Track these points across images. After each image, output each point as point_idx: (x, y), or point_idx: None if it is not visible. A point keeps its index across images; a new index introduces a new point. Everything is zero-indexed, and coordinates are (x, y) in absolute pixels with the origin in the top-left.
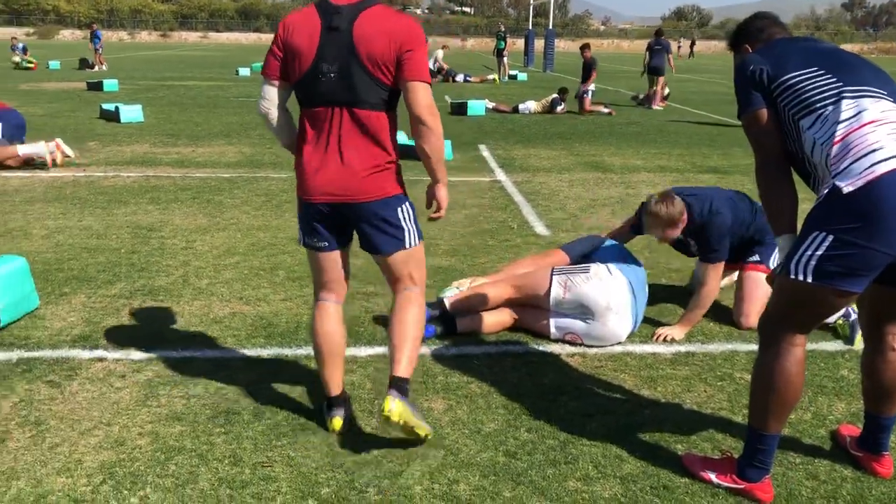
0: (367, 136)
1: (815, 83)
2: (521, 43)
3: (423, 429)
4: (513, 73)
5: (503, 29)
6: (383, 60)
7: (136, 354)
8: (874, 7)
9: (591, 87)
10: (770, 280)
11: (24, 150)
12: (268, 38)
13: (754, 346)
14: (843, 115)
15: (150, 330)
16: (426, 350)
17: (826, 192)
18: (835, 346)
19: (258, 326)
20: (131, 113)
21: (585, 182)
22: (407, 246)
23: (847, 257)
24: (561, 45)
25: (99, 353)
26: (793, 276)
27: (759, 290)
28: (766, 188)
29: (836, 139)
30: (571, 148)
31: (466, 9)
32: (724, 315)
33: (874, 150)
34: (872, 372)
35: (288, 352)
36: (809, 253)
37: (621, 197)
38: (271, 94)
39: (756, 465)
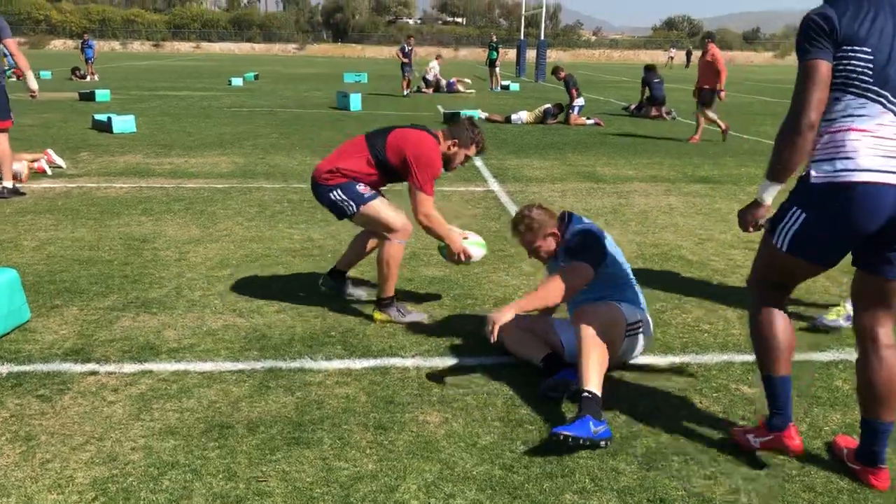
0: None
1: (855, 65)
2: (513, 53)
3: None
4: (505, 83)
5: (495, 39)
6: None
7: (129, 367)
8: None
9: (579, 101)
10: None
11: None
12: (261, 48)
13: (748, 357)
14: (849, 111)
15: (143, 342)
16: (423, 363)
17: (804, 173)
18: (829, 355)
19: (252, 339)
20: (124, 123)
21: (578, 192)
22: (349, 214)
23: (815, 236)
24: (553, 55)
25: (91, 366)
26: (774, 242)
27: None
28: (792, 144)
29: (830, 129)
30: (564, 158)
31: (458, 19)
32: (719, 325)
33: (847, 158)
34: (866, 373)
35: (282, 364)
36: (788, 225)
37: (614, 206)
38: None
39: (777, 412)
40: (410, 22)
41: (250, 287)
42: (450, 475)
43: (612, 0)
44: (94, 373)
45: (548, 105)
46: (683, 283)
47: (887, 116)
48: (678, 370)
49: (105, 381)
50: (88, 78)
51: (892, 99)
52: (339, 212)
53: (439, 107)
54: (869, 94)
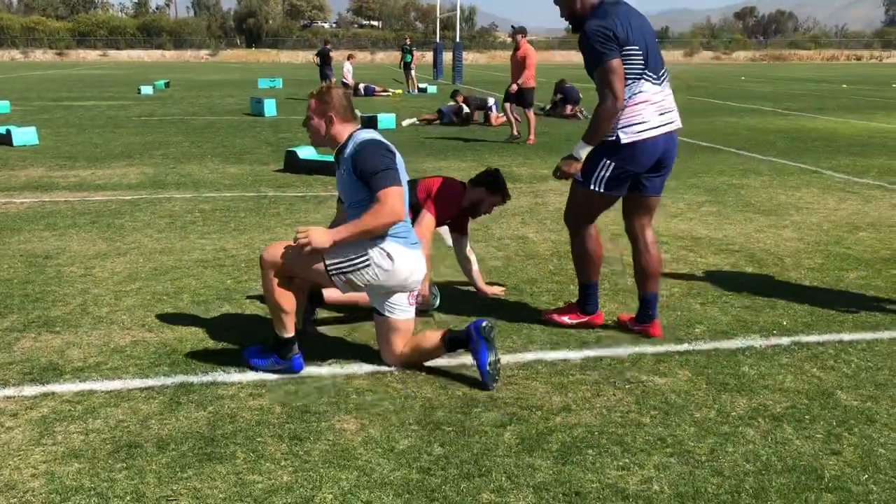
0: None
1: (635, 59)
2: (430, 56)
3: None
4: (422, 85)
5: (409, 42)
6: None
7: (30, 390)
8: (763, 17)
9: (491, 101)
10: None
11: None
12: (171, 55)
13: (660, 348)
14: (635, 90)
15: (45, 363)
16: (340, 370)
17: (612, 137)
18: (735, 343)
19: (161, 354)
20: (25, 135)
21: None
22: None
23: (620, 177)
24: (469, 57)
25: None
26: (592, 188)
27: None
28: (611, 119)
29: (627, 104)
30: (481, 159)
31: (374, 22)
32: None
33: (642, 122)
34: (640, 262)
35: (194, 379)
36: (602, 174)
37: (530, 206)
38: None
39: (590, 304)
40: (326, 26)
41: (160, 301)
42: (367, 482)
43: (525, 2)
44: None
45: (467, 109)
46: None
47: (655, 87)
48: (592, 363)
49: (3, 406)
50: None
51: (653, 76)
52: None
53: (357, 111)
54: (643, 77)
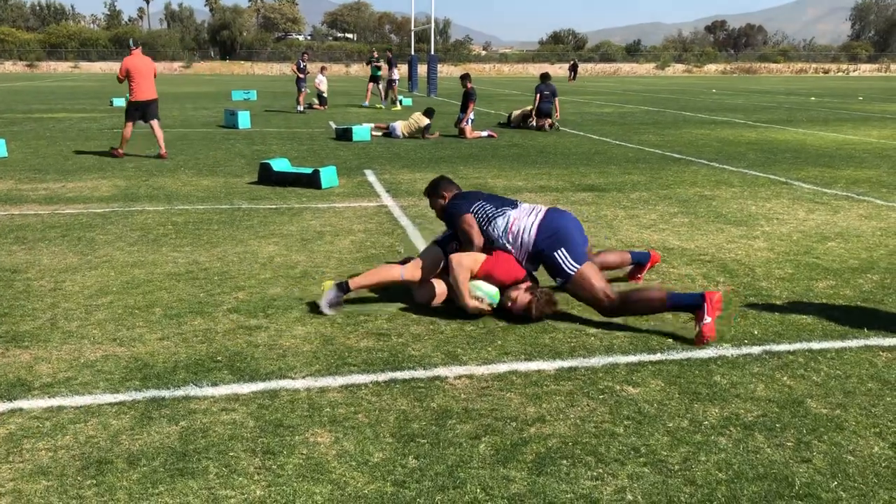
0: None
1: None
2: (405, 69)
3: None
4: (399, 97)
5: (376, 55)
6: None
7: None
8: (733, 30)
9: (471, 115)
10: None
11: None
12: None
13: (633, 358)
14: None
15: (12, 379)
16: (314, 383)
17: (535, 247)
18: (707, 352)
19: (133, 368)
20: None
21: None
22: None
23: (573, 251)
24: (444, 70)
25: None
26: (573, 272)
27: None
28: None
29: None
30: (456, 171)
31: (349, 35)
32: (604, 328)
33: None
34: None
35: (166, 393)
36: (565, 259)
37: None
38: None
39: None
40: (300, 38)
41: (131, 315)
42: (341, 496)
43: (499, 16)
44: None
45: (428, 122)
46: None
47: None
48: (566, 374)
49: None
50: None
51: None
52: None
53: (331, 123)
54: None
